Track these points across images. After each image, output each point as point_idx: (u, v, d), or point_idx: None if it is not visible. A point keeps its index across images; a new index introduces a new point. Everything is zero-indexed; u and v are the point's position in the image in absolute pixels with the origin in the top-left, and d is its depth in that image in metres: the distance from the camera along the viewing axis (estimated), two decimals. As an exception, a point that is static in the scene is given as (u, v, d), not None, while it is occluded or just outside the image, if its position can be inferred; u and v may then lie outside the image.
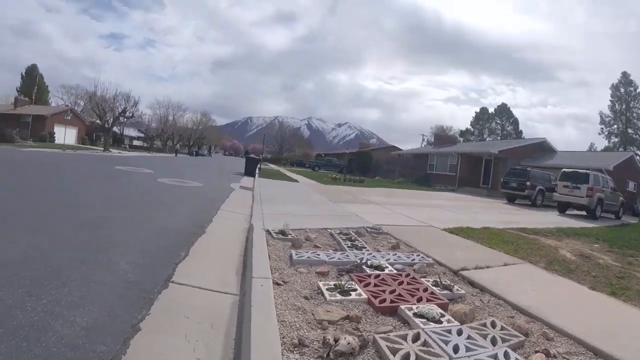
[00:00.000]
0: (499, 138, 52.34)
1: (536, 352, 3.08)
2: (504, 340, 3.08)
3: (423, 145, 48.90)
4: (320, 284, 3.68)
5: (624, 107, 42.02)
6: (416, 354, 2.64)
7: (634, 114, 41.38)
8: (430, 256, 5.18)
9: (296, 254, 4.48)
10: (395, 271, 4.39)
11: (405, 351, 2.66)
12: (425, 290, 3.86)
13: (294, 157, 48.08)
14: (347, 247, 5.18)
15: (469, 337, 3.02)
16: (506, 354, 2.84)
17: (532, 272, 5.25)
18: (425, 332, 2.98)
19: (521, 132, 54.55)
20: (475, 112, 59.65)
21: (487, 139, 52.18)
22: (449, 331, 3.09)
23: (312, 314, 3.08)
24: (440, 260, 5.06)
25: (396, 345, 2.71)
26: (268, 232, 5.50)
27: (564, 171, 15.77)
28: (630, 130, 40.74)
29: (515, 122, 56.11)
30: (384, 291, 3.69)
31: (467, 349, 2.83)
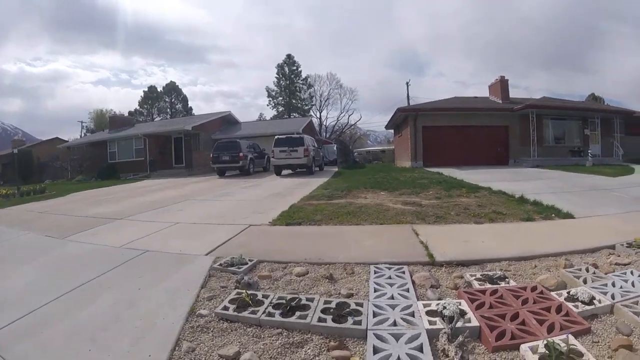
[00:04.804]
0: (168, 116, 51.25)
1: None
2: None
3: (83, 134, 40.56)
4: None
5: (288, 82, 53.19)
6: None
7: (296, 87, 53.75)
8: (383, 262, 3.70)
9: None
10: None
11: None
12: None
13: None
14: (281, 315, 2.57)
15: None
16: None
17: (442, 231, 5.05)
18: None
19: (191, 108, 55.86)
20: (144, 92, 55.64)
21: (157, 119, 50.02)
22: None
23: None
24: (409, 260, 3.74)
25: None
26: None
27: (278, 138, 16.98)
28: (293, 101, 51.97)
29: (185, 100, 56.77)
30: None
31: None
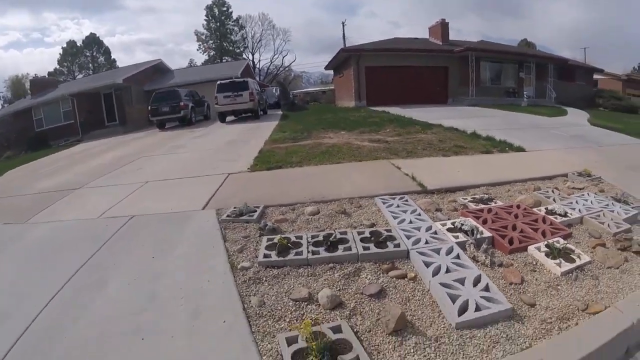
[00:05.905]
0: (91, 72, 45.44)
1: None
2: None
3: (1, 106, 35.60)
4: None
5: (218, 24, 48.79)
6: None
7: (227, 30, 49.58)
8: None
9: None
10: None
11: None
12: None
13: None
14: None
15: None
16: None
17: (418, 164, 5.55)
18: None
19: (114, 61, 49.61)
20: (63, 48, 48.45)
21: (79, 76, 44.18)
22: None
23: None
24: (405, 190, 4.20)
25: None
26: None
27: (220, 83, 16.06)
28: (225, 44, 48.40)
29: (108, 52, 50.00)
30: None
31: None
